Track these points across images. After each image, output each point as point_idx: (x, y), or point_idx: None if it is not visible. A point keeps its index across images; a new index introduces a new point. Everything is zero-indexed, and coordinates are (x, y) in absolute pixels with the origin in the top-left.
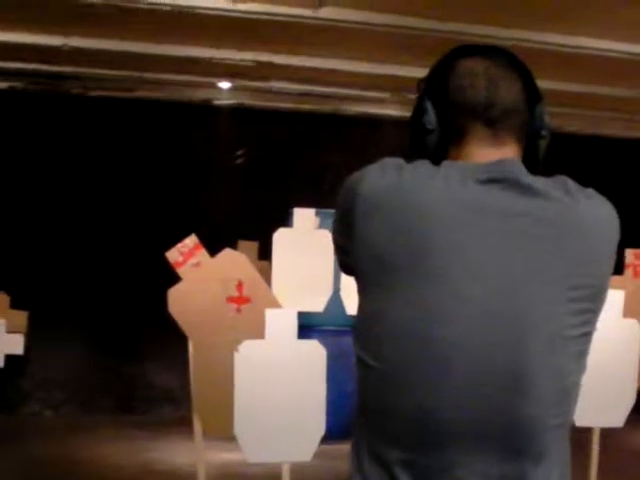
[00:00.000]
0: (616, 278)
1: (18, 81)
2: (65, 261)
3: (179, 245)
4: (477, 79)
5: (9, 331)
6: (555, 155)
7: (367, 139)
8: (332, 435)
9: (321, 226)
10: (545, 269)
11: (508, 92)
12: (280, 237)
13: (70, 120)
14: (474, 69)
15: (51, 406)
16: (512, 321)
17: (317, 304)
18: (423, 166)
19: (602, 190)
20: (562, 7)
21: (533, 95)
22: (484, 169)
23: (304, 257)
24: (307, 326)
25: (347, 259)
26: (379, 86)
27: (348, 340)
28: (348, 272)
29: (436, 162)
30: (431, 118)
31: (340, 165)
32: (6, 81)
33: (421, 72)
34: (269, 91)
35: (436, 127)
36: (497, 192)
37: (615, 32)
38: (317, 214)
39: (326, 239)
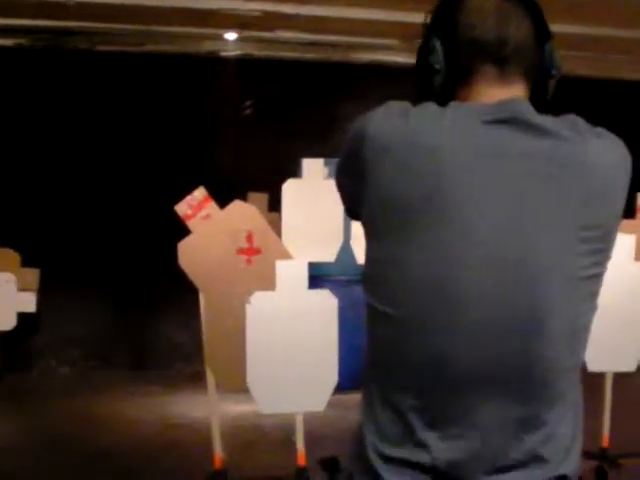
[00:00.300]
0: (627, 222)
1: (24, 38)
2: (75, 217)
3: (188, 198)
4: (487, 16)
5: (20, 289)
6: (565, 99)
7: (376, 87)
8: (345, 386)
9: (331, 176)
10: (556, 209)
11: (518, 29)
12: (289, 188)
13: (78, 76)
14: (484, 5)
15: (66, 363)
16: (525, 263)
17: (328, 254)
18: (429, 108)
19: (613, 133)
20: None
21: (542, 32)
22: (492, 109)
23: (314, 207)
24: (318, 276)
25: (354, 205)
26: (388, 33)
27: (360, 290)
28: (355, 217)
29: (443, 102)
30: (439, 57)
31: (349, 114)
32: (12, 38)
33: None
34: (276, 41)
35: (443, 67)
36: (506, 132)
37: None
38: (326, 164)
39: (336, 189)
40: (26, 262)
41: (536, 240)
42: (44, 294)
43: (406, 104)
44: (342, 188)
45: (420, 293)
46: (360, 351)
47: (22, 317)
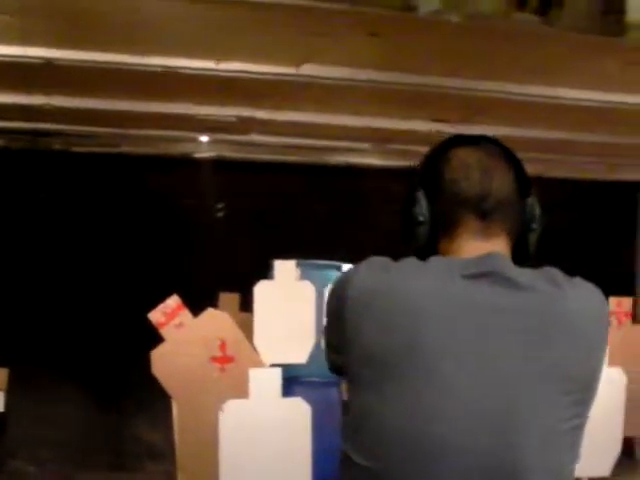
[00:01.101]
0: None
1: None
2: (46, 317)
3: (161, 305)
4: (471, 171)
5: None
6: (541, 198)
7: (350, 188)
8: None
9: (302, 277)
10: (535, 363)
11: (501, 183)
12: (261, 289)
13: (52, 176)
14: (467, 160)
15: (36, 464)
16: (504, 418)
17: (300, 356)
18: (410, 263)
19: (583, 232)
20: (542, 61)
21: (524, 185)
22: (472, 264)
23: (286, 309)
24: (290, 378)
25: (338, 358)
26: (361, 137)
27: (332, 392)
28: (338, 372)
29: (426, 252)
30: (423, 209)
31: (322, 215)
32: None
33: (402, 123)
34: (250, 144)
35: (427, 218)
36: (484, 287)
37: (590, 82)
38: (298, 265)
39: (307, 290)
40: None
41: (515, 394)
42: (13, 394)
43: (386, 260)
44: (327, 342)
45: (395, 446)
46: (334, 453)
47: None
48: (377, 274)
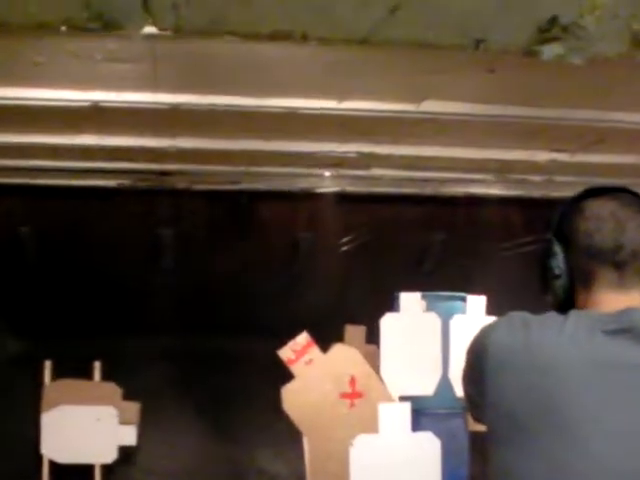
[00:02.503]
0: None
1: (126, 179)
2: (176, 351)
3: (291, 343)
4: (604, 222)
5: (121, 422)
6: None
7: (468, 218)
8: None
9: (428, 309)
10: None
11: (636, 233)
12: (387, 322)
13: (175, 213)
14: (601, 212)
15: None
16: None
17: (427, 387)
18: (550, 319)
19: None
20: None
21: None
22: (611, 319)
23: (412, 341)
24: (416, 410)
25: (476, 412)
26: (480, 169)
27: (459, 423)
28: (478, 421)
29: (564, 304)
30: (559, 262)
31: (444, 246)
32: (115, 179)
33: (520, 154)
34: (370, 178)
35: (564, 271)
36: (626, 342)
37: None
38: (423, 297)
39: (434, 322)
40: (127, 395)
41: None
42: (143, 426)
43: (526, 316)
44: (467, 393)
45: None
46: None
47: (122, 450)
48: (517, 330)
